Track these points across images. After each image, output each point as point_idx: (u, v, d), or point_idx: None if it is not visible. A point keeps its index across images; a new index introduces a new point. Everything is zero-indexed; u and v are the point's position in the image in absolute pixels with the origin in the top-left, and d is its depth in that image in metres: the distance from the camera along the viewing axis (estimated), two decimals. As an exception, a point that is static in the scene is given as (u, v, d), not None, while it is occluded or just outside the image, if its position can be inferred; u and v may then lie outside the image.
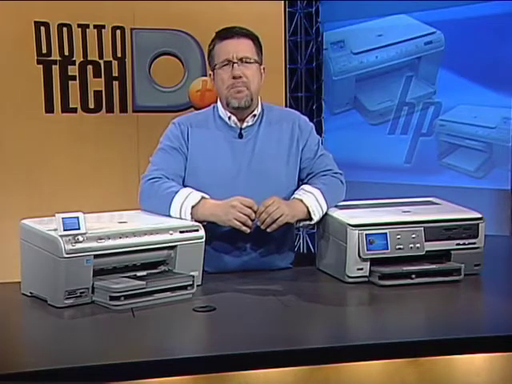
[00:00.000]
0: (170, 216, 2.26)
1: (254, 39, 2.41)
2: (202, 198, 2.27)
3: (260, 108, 2.45)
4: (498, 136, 4.60)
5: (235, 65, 2.34)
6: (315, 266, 2.44)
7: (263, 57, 2.44)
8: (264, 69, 2.44)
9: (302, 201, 2.31)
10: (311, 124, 2.54)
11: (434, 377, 1.76)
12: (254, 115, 2.43)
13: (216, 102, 2.50)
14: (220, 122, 2.44)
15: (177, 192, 2.28)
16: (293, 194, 2.42)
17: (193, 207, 2.24)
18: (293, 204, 2.31)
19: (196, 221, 2.24)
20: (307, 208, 2.30)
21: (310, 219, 2.32)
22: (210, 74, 2.44)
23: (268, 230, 2.25)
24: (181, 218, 2.24)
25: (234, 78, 2.35)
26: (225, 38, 2.38)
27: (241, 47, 2.36)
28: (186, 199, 2.26)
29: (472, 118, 4.73)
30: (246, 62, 2.36)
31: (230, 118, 2.42)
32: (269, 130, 2.45)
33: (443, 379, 1.77)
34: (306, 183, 2.43)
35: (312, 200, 2.31)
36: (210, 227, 2.28)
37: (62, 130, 4.36)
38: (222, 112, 2.44)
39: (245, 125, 2.43)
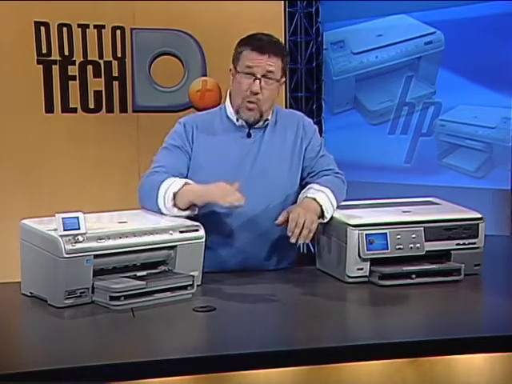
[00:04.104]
0: (159, 209, 2.25)
1: (284, 56, 2.39)
2: (186, 183, 2.27)
3: (271, 113, 2.45)
4: (498, 136, 4.60)
5: (256, 81, 2.33)
6: (315, 266, 2.44)
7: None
8: (284, 81, 2.43)
9: (315, 199, 2.30)
10: (315, 126, 2.56)
11: (434, 377, 1.77)
12: (266, 120, 2.44)
13: (220, 102, 2.49)
14: (228, 122, 2.44)
15: (162, 181, 2.28)
16: (295, 194, 2.43)
17: (175, 194, 2.23)
18: (309, 204, 2.29)
19: (181, 209, 2.23)
20: (320, 207, 2.30)
21: (322, 217, 2.31)
22: (230, 69, 2.42)
23: (307, 240, 2.23)
24: (166, 207, 2.24)
25: (251, 92, 2.34)
26: (256, 50, 2.34)
27: (268, 66, 2.33)
28: (169, 187, 2.25)
29: (472, 118, 4.73)
30: (269, 79, 2.35)
31: (238, 119, 2.42)
32: (274, 130, 2.46)
33: (443, 379, 1.77)
34: (310, 182, 2.43)
35: (325, 199, 2.31)
36: (210, 227, 2.28)
37: (62, 130, 4.36)
38: (231, 113, 2.44)
39: (254, 126, 2.43)
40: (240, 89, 2.36)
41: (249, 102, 2.36)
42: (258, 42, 2.37)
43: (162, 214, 2.28)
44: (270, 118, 2.44)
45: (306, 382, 1.71)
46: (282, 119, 2.48)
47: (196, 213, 2.29)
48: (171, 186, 2.26)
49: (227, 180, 2.36)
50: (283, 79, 2.42)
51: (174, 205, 2.24)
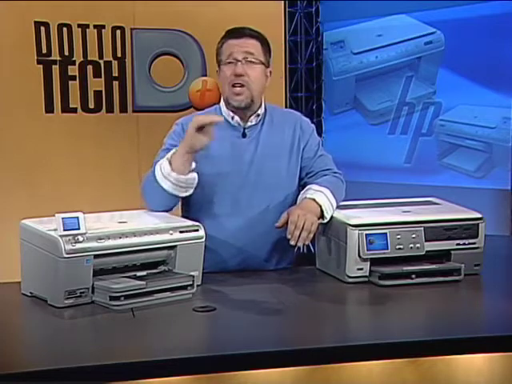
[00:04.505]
0: (162, 188, 2.25)
1: (263, 41, 2.42)
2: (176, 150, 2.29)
3: (263, 108, 2.46)
4: (498, 136, 4.59)
5: (239, 63, 2.35)
6: (315, 266, 2.44)
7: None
8: (270, 72, 2.44)
9: (314, 200, 2.30)
10: (312, 125, 2.56)
11: (434, 377, 1.77)
12: (258, 115, 2.44)
13: (218, 102, 2.50)
14: (223, 122, 2.45)
15: (156, 162, 2.31)
16: (294, 194, 2.43)
17: (169, 160, 2.26)
18: (308, 205, 2.29)
19: (179, 173, 2.24)
20: (320, 207, 2.30)
21: (322, 218, 2.31)
22: (217, 71, 2.45)
23: (307, 242, 2.23)
24: (165, 177, 2.24)
25: (235, 75, 2.35)
26: (233, 37, 2.39)
27: (247, 47, 2.37)
28: (163, 160, 2.28)
29: (472, 118, 4.72)
30: (251, 62, 2.36)
31: (233, 117, 2.43)
32: (271, 130, 2.46)
33: (443, 379, 1.77)
34: (309, 182, 2.43)
35: (324, 199, 2.31)
36: (210, 227, 2.28)
37: (62, 130, 4.36)
38: (225, 112, 2.45)
39: (248, 124, 2.44)
40: (225, 77, 2.38)
41: (235, 86, 2.36)
42: (234, 31, 2.43)
43: (166, 198, 2.28)
44: (261, 112, 2.44)
45: (306, 382, 1.71)
46: (279, 118, 2.48)
47: (194, 167, 2.29)
48: (164, 158, 2.28)
49: (225, 181, 2.37)
50: (270, 68, 2.43)
51: (172, 170, 2.24)
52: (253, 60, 2.37)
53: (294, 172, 2.46)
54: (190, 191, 2.31)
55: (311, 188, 2.37)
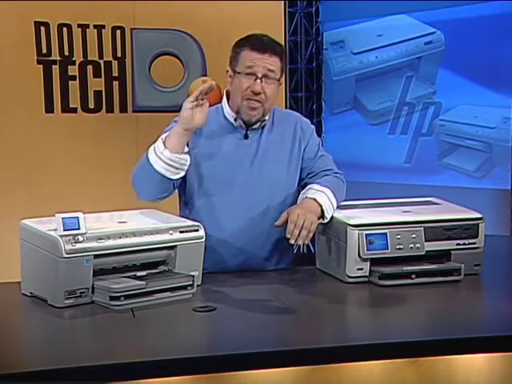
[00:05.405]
0: (154, 169, 2.24)
1: (282, 56, 2.39)
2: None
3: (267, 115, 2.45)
4: (498, 136, 4.60)
5: (258, 80, 2.32)
6: (315, 266, 2.44)
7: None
8: (280, 83, 2.42)
9: (315, 199, 2.30)
10: (312, 126, 2.56)
11: (434, 377, 1.77)
12: (263, 120, 2.43)
13: (218, 102, 2.48)
14: (225, 123, 2.44)
15: (150, 146, 2.29)
16: (294, 194, 2.43)
17: (164, 140, 2.24)
18: (309, 205, 2.29)
19: (173, 151, 2.22)
20: (321, 207, 2.30)
21: (322, 217, 2.31)
22: (228, 71, 2.42)
23: (306, 241, 2.22)
24: (160, 159, 2.23)
25: (253, 92, 2.33)
26: (255, 49, 2.33)
27: (269, 65, 2.33)
28: (157, 142, 2.27)
29: (472, 118, 4.73)
30: (269, 78, 2.34)
31: (236, 119, 2.42)
32: (272, 131, 2.45)
33: (443, 379, 1.77)
34: (309, 183, 2.43)
35: (325, 199, 2.31)
36: (210, 227, 2.28)
37: (62, 130, 4.36)
38: (229, 113, 2.43)
39: (251, 127, 2.43)
40: (241, 88, 2.34)
41: (250, 100, 2.34)
42: (257, 41, 2.36)
43: (157, 182, 2.27)
44: (267, 118, 2.44)
45: (306, 382, 1.71)
46: (279, 120, 2.48)
47: (186, 150, 2.27)
48: (159, 139, 2.26)
49: (226, 181, 2.37)
50: (282, 79, 2.42)
51: (166, 148, 2.23)
52: (272, 77, 2.34)
53: (294, 173, 2.46)
54: (182, 173, 2.29)
55: (312, 188, 2.37)
